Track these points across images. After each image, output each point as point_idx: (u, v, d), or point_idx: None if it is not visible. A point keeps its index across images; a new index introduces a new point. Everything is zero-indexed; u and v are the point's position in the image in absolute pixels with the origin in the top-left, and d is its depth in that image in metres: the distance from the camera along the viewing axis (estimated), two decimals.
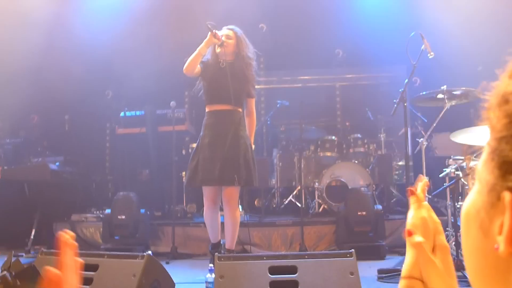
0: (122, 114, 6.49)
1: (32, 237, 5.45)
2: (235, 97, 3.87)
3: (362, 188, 5.31)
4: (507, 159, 0.52)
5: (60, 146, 6.85)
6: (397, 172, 6.34)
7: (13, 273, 2.43)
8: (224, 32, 3.96)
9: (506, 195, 0.51)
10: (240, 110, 3.98)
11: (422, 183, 0.86)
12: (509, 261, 0.53)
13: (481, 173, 0.57)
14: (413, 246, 0.77)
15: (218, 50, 3.89)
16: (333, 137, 6.34)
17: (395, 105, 4.16)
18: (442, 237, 0.79)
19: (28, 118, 7.22)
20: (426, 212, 0.81)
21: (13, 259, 2.52)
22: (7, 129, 7.13)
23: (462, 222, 0.62)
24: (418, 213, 0.81)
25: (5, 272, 2.43)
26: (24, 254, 5.18)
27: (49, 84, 7.02)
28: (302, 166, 5.93)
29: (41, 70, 6.91)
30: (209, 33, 3.77)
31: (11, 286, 2.39)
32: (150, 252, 3.41)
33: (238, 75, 3.93)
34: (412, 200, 0.83)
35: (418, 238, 0.76)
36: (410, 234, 0.77)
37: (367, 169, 6.07)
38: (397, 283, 0.84)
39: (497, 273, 0.55)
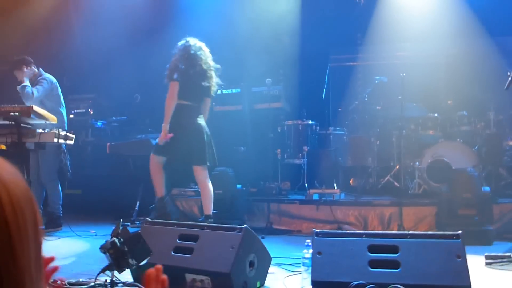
0: (219, 91, 6.60)
1: (137, 208, 5.79)
2: None
3: (468, 169, 4.96)
4: None
5: (161, 124, 7.14)
6: (508, 153, 5.82)
7: (121, 239, 2.59)
8: None
9: None
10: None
11: None
12: None
13: None
14: None
15: None
16: (436, 115, 5.98)
17: (510, 78, 3.80)
18: None
19: (132, 98, 7.62)
20: None
21: (121, 227, 2.68)
22: (113, 108, 7.62)
23: None
24: None
25: (114, 238, 2.59)
26: (130, 224, 5.52)
27: (151, 66, 7.35)
28: (402, 145, 5.66)
29: (144, 54, 7.25)
30: None
31: (120, 251, 2.55)
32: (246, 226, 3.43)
33: None
34: None
35: None
36: None
37: (473, 149, 5.67)
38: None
39: None
